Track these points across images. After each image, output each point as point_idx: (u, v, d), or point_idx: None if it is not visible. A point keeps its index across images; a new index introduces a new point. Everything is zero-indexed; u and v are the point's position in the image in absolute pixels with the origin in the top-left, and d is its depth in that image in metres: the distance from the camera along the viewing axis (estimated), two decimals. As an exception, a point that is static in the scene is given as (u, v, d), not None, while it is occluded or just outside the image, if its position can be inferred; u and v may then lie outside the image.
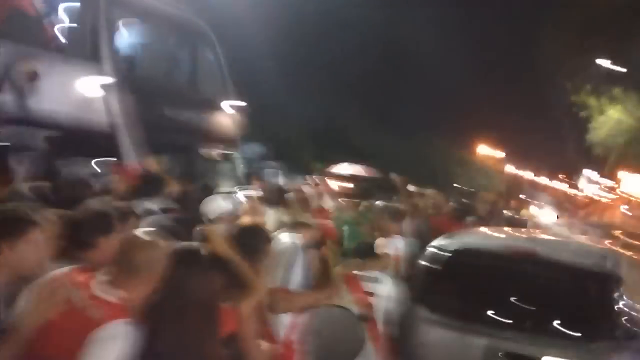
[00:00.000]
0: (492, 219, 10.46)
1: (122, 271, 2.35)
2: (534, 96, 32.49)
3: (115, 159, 6.77)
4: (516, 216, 14.38)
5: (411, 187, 7.99)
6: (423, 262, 4.78)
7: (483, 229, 6.12)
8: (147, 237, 2.43)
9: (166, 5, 8.91)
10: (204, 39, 9.59)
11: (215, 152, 9.33)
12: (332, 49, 21.83)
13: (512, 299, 4.28)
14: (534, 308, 4.20)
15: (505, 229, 6.44)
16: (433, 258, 4.72)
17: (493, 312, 4.20)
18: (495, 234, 5.65)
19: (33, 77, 6.41)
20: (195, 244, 2.80)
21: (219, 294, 2.56)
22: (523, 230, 6.40)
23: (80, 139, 6.76)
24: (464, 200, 8.47)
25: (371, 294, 4.57)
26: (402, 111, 27.12)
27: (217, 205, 4.47)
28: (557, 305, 4.16)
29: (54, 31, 7.46)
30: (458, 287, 4.60)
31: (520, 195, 33.70)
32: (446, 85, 29.16)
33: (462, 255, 4.65)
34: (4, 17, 6.51)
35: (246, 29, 17.23)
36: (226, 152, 9.56)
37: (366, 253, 4.91)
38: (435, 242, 4.92)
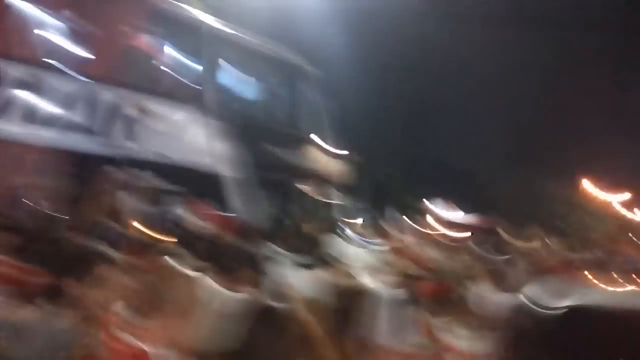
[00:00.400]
0: (614, 265, 9.62)
1: (150, 303, 2.23)
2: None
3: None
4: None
5: (514, 234, 7.52)
6: (528, 323, 4.27)
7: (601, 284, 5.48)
8: (177, 268, 2.36)
9: (267, 43, 9.04)
10: (306, 76, 9.66)
11: (318, 189, 9.26)
12: (435, 81, 21.28)
13: None
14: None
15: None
16: (541, 319, 4.18)
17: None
18: (615, 291, 5.01)
19: (143, 118, 6.63)
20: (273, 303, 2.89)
21: (291, 353, 2.56)
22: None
23: (185, 181, 6.86)
24: (580, 246, 7.78)
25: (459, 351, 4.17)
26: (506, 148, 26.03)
27: (344, 250, 5.29)
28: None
29: (161, 71, 7.72)
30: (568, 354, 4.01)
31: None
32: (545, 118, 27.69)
33: (574, 317, 4.09)
34: (119, 56, 6.77)
35: (341, 60, 17.21)
36: (329, 189, 9.47)
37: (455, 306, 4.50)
38: (542, 299, 4.39)
